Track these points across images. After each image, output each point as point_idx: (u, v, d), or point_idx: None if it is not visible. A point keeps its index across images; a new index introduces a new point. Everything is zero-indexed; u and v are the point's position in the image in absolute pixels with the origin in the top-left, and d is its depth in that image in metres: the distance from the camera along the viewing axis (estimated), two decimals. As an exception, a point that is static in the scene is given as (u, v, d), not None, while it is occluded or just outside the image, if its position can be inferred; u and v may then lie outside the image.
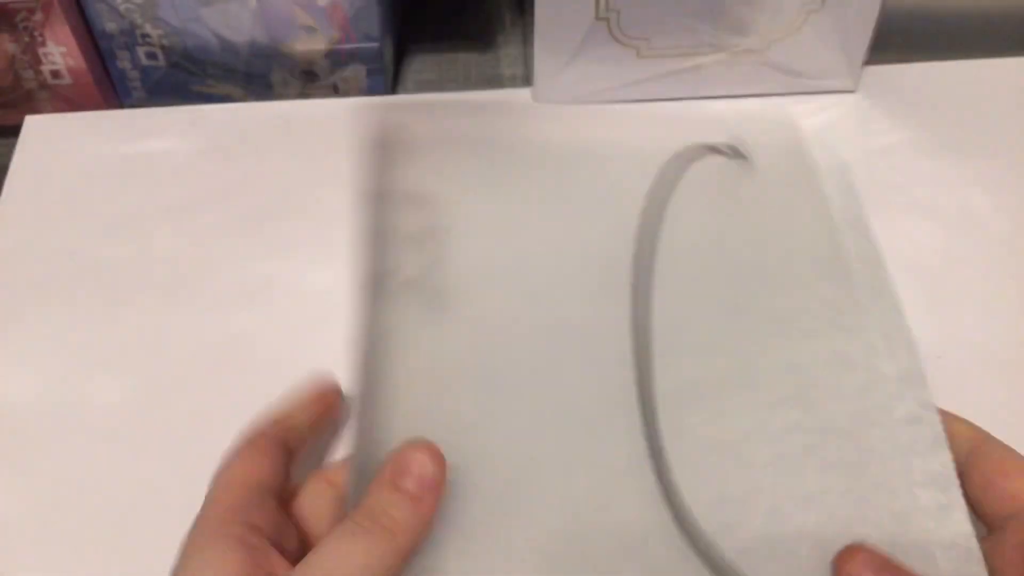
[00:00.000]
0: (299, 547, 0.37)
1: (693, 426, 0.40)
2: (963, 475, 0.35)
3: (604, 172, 0.48)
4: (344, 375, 0.43)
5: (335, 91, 0.60)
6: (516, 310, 0.43)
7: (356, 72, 0.59)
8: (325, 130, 0.58)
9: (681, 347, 0.42)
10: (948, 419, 0.39)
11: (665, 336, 0.42)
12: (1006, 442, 0.44)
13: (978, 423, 0.45)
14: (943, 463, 0.38)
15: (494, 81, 0.62)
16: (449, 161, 0.47)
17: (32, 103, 0.60)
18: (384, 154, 0.47)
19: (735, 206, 0.47)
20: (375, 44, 0.58)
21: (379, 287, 0.43)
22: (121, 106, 0.61)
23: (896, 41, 0.57)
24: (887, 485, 0.39)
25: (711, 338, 0.43)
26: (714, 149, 0.49)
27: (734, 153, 0.49)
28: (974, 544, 0.36)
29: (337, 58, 0.59)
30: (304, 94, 0.61)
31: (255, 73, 0.59)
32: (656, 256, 0.45)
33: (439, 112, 0.50)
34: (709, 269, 0.45)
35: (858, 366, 0.42)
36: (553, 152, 0.48)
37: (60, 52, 0.57)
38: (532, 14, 0.55)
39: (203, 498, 0.37)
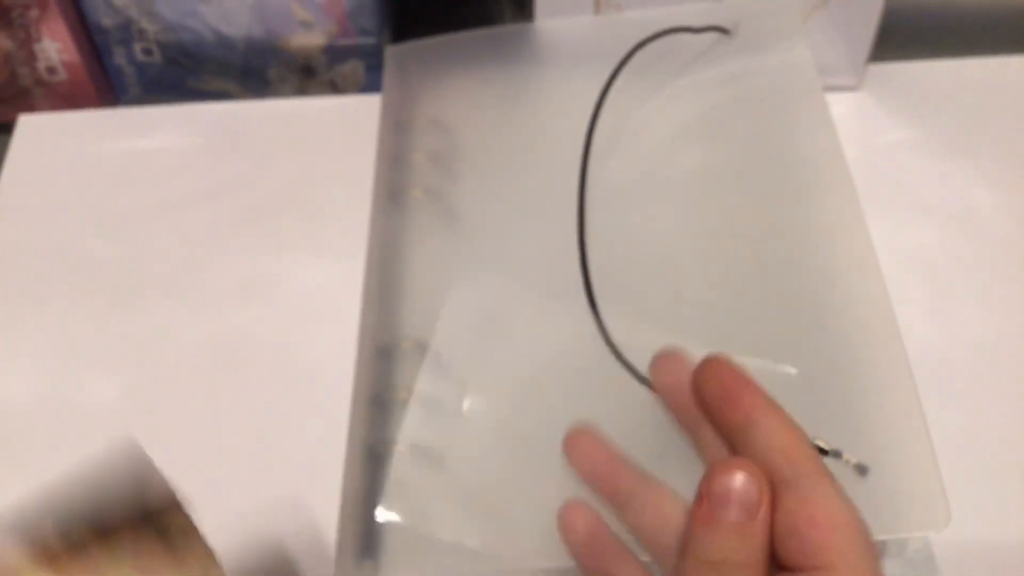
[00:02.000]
0: None
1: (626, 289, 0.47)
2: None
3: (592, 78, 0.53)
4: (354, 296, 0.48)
5: (333, 87, 0.60)
6: (511, 222, 0.51)
7: (354, 67, 0.59)
8: (323, 127, 0.57)
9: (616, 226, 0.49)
10: (774, 430, 0.32)
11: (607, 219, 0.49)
12: (1004, 441, 0.44)
13: (979, 422, 0.45)
14: None
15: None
16: (464, 91, 0.55)
17: (27, 100, 0.59)
18: (404, 87, 0.55)
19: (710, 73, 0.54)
20: (373, 39, 0.57)
21: (396, 200, 0.51)
22: (117, 102, 0.61)
23: (900, 39, 0.57)
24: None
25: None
26: (688, 29, 0.53)
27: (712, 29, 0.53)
28: None
29: (335, 53, 0.58)
30: (302, 90, 0.60)
31: (252, 69, 0.59)
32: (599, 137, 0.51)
33: (455, 47, 0.56)
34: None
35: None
36: (552, 73, 0.56)
37: (56, 48, 0.57)
38: (532, 7, 0.55)
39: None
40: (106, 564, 0.29)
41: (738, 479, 0.29)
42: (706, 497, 0.29)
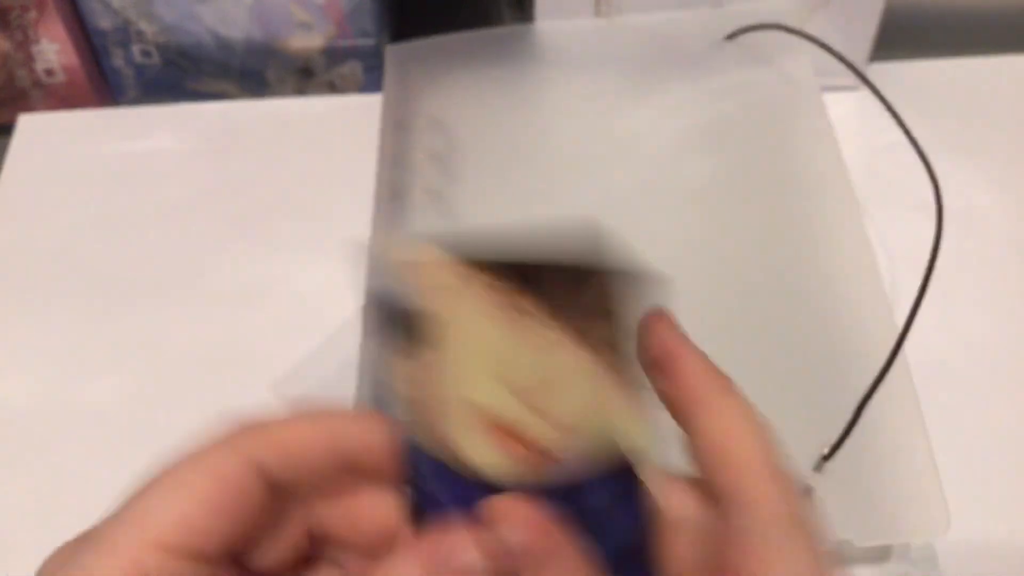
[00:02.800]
0: None
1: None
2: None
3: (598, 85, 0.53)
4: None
5: (332, 88, 0.60)
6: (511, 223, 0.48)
7: (353, 69, 0.59)
8: (321, 128, 0.57)
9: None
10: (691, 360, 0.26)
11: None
12: (1004, 441, 0.44)
13: (980, 424, 0.45)
14: None
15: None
16: (465, 91, 0.55)
17: (25, 101, 0.59)
18: (404, 86, 0.55)
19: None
20: (372, 40, 0.57)
21: (397, 199, 0.50)
22: (115, 104, 0.61)
23: (900, 39, 0.57)
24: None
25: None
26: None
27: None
28: None
29: (334, 55, 0.58)
30: (300, 91, 0.60)
31: (251, 70, 0.59)
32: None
33: (455, 47, 0.56)
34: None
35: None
36: (554, 75, 0.55)
37: (54, 50, 0.57)
38: (531, 9, 0.55)
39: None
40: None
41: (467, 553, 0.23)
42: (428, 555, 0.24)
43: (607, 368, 0.25)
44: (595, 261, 0.24)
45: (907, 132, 0.47)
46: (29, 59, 0.57)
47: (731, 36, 0.53)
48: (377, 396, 0.26)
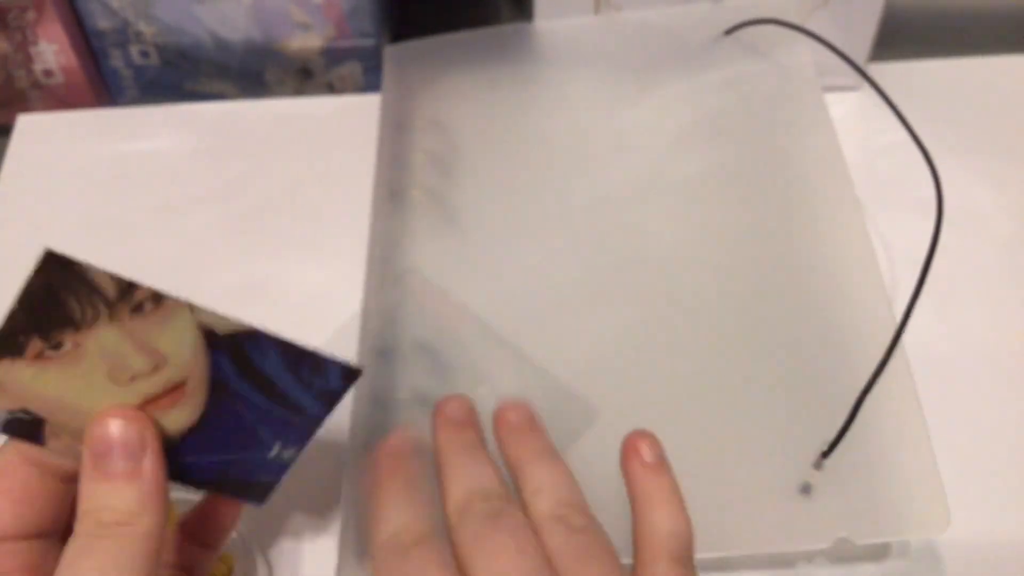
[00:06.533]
0: None
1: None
2: None
3: (600, 88, 0.54)
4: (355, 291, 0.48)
5: (331, 89, 0.60)
6: (510, 222, 0.50)
7: (352, 70, 0.59)
8: (321, 128, 0.57)
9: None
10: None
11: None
12: (1007, 444, 0.44)
13: (979, 423, 0.45)
14: None
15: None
16: (464, 91, 0.55)
17: (24, 102, 0.59)
18: (403, 87, 0.55)
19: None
20: (371, 41, 0.57)
21: (396, 199, 0.50)
22: (114, 105, 0.61)
23: (900, 39, 0.57)
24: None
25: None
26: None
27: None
28: None
29: (333, 56, 0.58)
30: (299, 92, 0.60)
31: (250, 71, 0.59)
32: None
33: (455, 47, 0.56)
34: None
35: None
36: (553, 74, 0.55)
37: (52, 51, 0.57)
38: (531, 7, 0.55)
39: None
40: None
41: (114, 426, 0.29)
42: (87, 450, 0.29)
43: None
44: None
45: (909, 128, 0.46)
46: (28, 60, 0.57)
47: (730, 31, 0.53)
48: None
